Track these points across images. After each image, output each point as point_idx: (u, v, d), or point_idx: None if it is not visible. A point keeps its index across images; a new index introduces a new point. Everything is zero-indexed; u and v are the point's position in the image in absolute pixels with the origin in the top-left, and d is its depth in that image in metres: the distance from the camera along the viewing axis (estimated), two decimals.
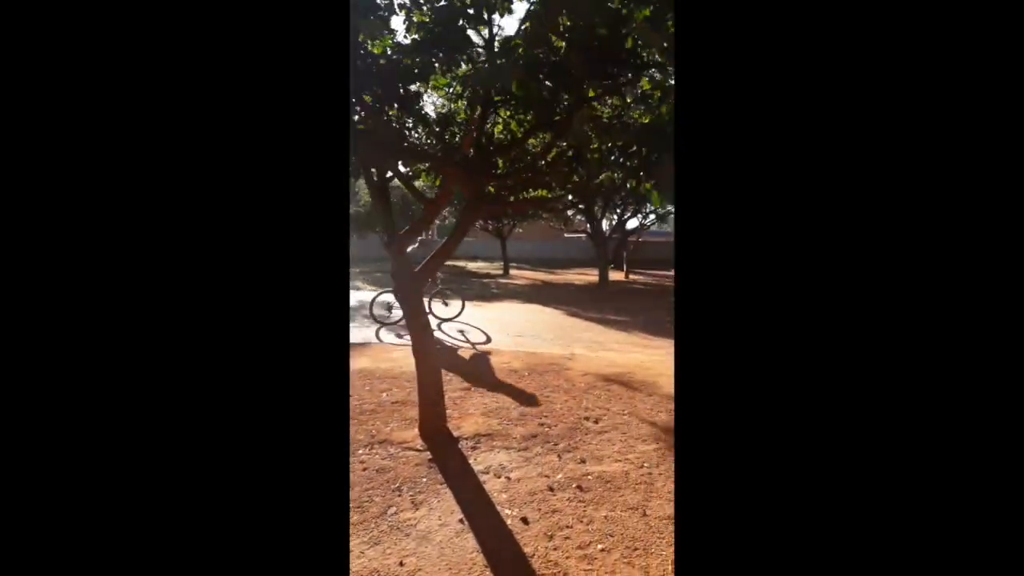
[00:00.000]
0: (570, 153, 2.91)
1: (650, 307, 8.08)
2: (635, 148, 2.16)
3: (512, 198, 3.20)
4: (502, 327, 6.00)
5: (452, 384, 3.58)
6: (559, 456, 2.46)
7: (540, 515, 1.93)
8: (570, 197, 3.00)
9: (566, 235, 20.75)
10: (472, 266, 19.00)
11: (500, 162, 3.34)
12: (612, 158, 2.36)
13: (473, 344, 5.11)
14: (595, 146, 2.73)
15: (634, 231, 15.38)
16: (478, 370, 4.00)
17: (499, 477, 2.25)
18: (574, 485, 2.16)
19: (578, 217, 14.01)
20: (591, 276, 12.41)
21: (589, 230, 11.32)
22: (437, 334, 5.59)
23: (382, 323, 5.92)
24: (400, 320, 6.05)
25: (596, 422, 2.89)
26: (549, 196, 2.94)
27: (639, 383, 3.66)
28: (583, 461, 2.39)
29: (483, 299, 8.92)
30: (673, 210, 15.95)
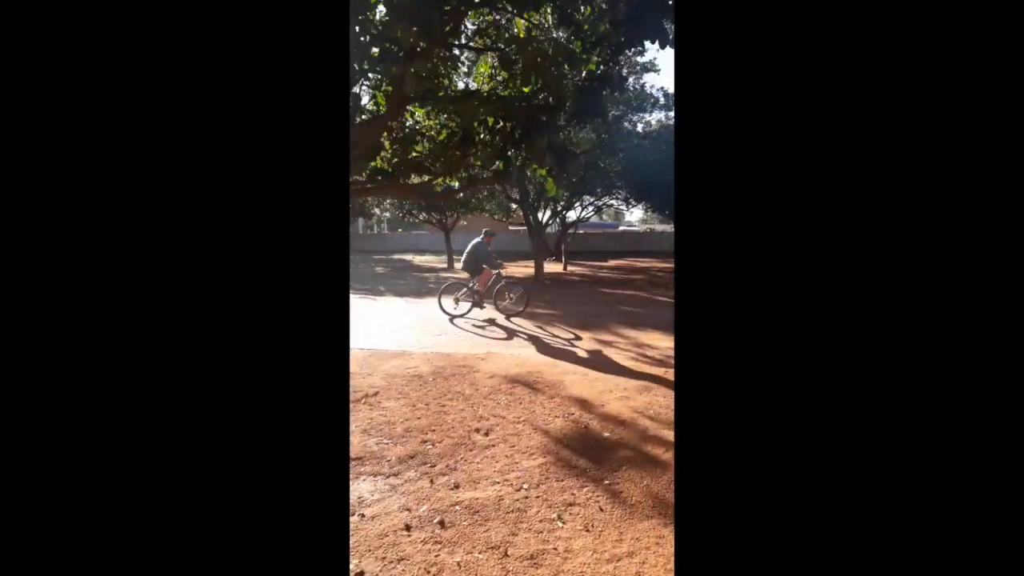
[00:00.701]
0: (458, 137, 2.57)
1: (580, 299, 8.01)
2: (501, 124, 1.85)
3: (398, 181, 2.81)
4: (423, 327, 5.60)
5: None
6: (432, 481, 2.14)
7: (382, 566, 1.60)
8: (456, 184, 2.67)
9: (511, 227, 20.55)
10: (418, 259, 18.38)
11: (387, 143, 2.93)
12: (481, 136, 2.04)
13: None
14: (477, 126, 2.41)
15: (574, 223, 15.43)
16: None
17: (352, 515, 1.89)
18: (436, 520, 1.85)
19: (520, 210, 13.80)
20: (532, 268, 12.25)
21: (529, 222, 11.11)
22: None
23: (451, 315, 5.91)
24: (469, 311, 6.01)
25: (486, 434, 2.60)
26: (430, 181, 2.60)
27: (545, 383, 3.43)
28: (456, 486, 2.09)
29: (417, 295, 8.44)
30: (610, 203, 16.22)
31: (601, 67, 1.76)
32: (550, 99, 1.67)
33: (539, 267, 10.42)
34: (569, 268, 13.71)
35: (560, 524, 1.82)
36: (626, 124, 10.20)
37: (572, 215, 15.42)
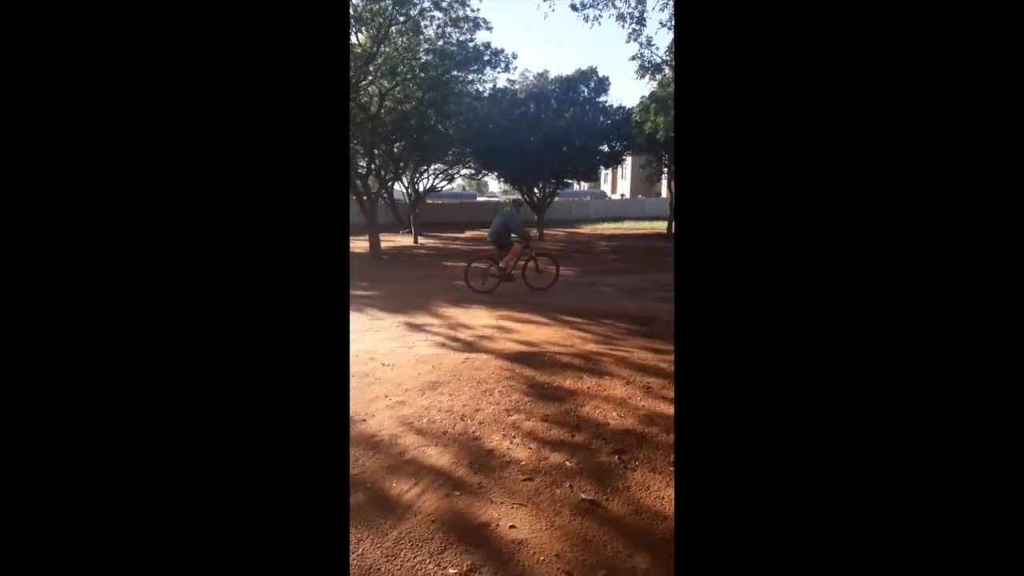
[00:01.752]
0: None
1: (415, 276, 7.26)
2: None
3: None
4: None
5: None
6: None
7: None
8: None
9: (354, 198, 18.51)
10: None
11: None
12: None
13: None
14: None
15: (424, 193, 14.43)
16: None
17: None
18: None
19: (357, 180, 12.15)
20: (387, 242, 10.91)
21: (378, 192, 9.72)
22: None
23: (480, 292, 5.47)
24: (496, 287, 5.54)
25: None
26: None
27: None
28: None
29: None
30: (462, 172, 15.59)
31: None
32: None
33: (374, 241, 9.28)
34: (421, 240, 12.76)
35: None
36: (457, 86, 9.46)
37: (422, 185, 14.37)
